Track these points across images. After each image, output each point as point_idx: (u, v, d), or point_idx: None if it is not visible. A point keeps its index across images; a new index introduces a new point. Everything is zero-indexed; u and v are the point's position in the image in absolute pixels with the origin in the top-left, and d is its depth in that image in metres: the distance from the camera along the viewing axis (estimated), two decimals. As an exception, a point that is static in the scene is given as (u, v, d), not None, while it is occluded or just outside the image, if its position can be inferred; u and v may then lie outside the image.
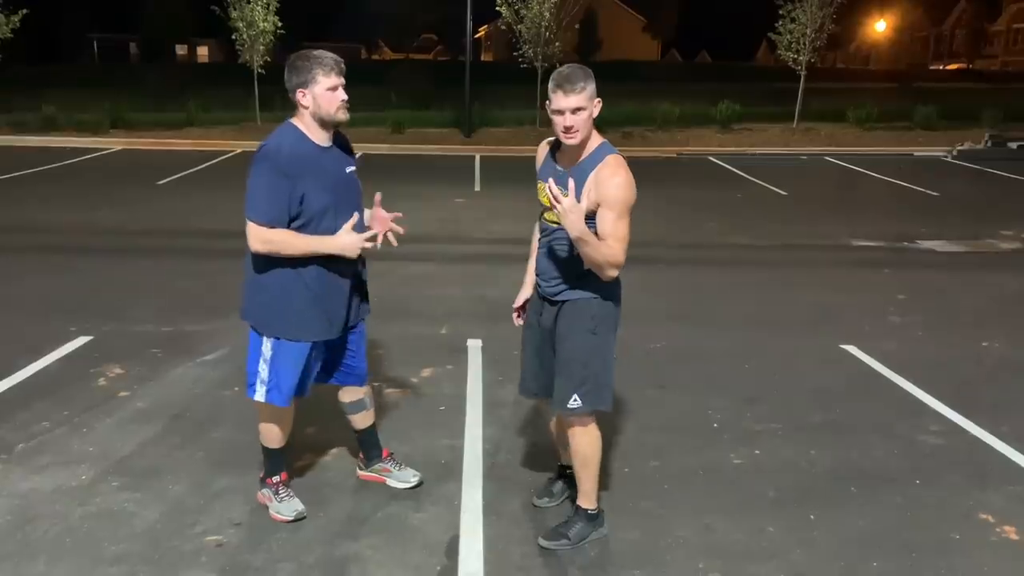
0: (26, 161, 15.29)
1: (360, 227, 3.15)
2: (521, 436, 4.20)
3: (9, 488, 3.58)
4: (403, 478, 3.65)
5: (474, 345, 5.51)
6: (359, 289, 3.32)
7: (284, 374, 3.19)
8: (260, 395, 3.22)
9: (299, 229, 3.01)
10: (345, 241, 3.04)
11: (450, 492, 3.61)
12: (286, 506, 3.35)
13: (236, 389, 4.75)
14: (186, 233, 9.38)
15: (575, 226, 2.71)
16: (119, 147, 18.59)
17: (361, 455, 3.72)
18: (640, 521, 3.40)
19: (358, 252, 3.09)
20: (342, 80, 3.04)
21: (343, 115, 3.06)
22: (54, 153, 16.83)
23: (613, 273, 2.88)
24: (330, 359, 3.37)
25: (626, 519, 3.41)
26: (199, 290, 6.87)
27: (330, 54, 3.05)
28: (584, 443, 3.14)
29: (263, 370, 3.19)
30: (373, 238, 3.16)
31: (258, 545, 3.19)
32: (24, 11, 20.20)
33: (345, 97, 3.04)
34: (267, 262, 3.07)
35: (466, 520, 3.38)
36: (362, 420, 3.60)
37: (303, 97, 3.02)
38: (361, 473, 3.72)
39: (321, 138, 3.09)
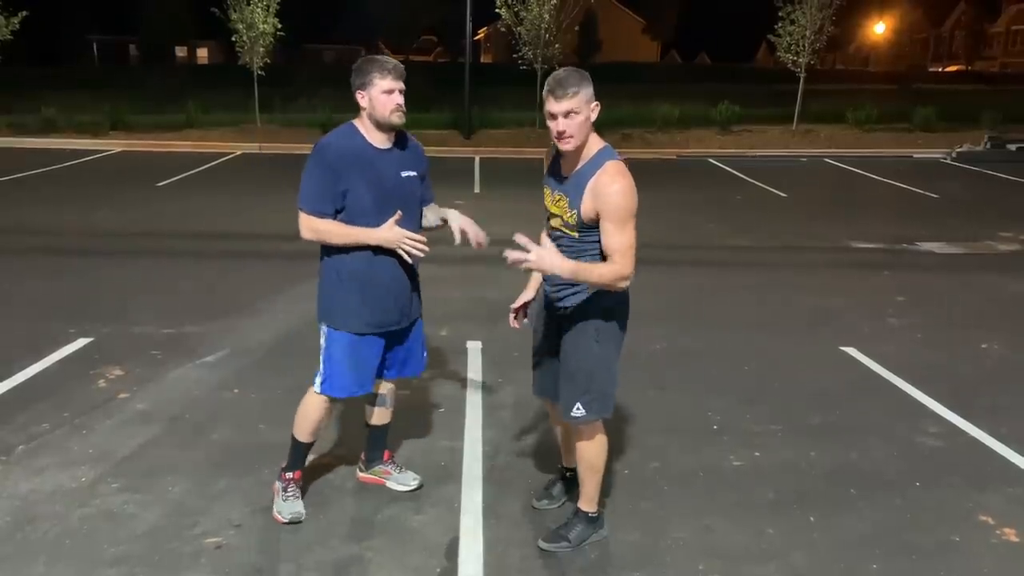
0: (26, 163, 15.30)
1: (411, 228, 3.18)
2: (521, 438, 4.20)
3: (9, 489, 3.58)
4: (403, 481, 3.65)
5: (474, 347, 5.51)
6: (409, 287, 3.31)
7: (337, 364, 3.23)
8: (316, 385, 3.28)
9: (344, 223, 3.10)
10: (387, 234, 3.08)
11: (450, 494, 3.61)
12: (287, 506, 3.36)
13: (236, 391, 4.76)
14: (186, 235, 9.38)
15: (560, 268, 2.72)
16: (119, 149, 18.59)
17: (363, 455, 3.72)
18: (640, 522, 3.40)
19: (398, 247, 3.09)
20: (399, 84, 3.10)
21: (397, 118, 3.10)
22: (54, 155, 16.84)
23: (623, 285, 2.86)
24: (389, 356, 3.40)
25: (626, 520, 3.41)
26: (199, 292, 6.87)
27: (392, 59, 3.13)
28: (590, 450, 3.14)
29: (321, 361, 3.28)
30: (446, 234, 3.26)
31: (258, 547, 3.19)
32: (24, 13, 20.20)
33: (400, 101, 3.10)
34: (323, 253, 3.22)
35: (466, 522, 3.38)
36: (378, 416, 3.61)
37: (361, 98, 3.10)
38: (361, 475, 3.72)
39: (378, 139, 3.14)
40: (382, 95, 3.07)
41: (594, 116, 2.83)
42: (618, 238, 2.79)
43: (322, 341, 3.28)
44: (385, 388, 3.56)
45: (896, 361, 5.36)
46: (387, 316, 3.25)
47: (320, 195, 3.06)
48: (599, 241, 2.83)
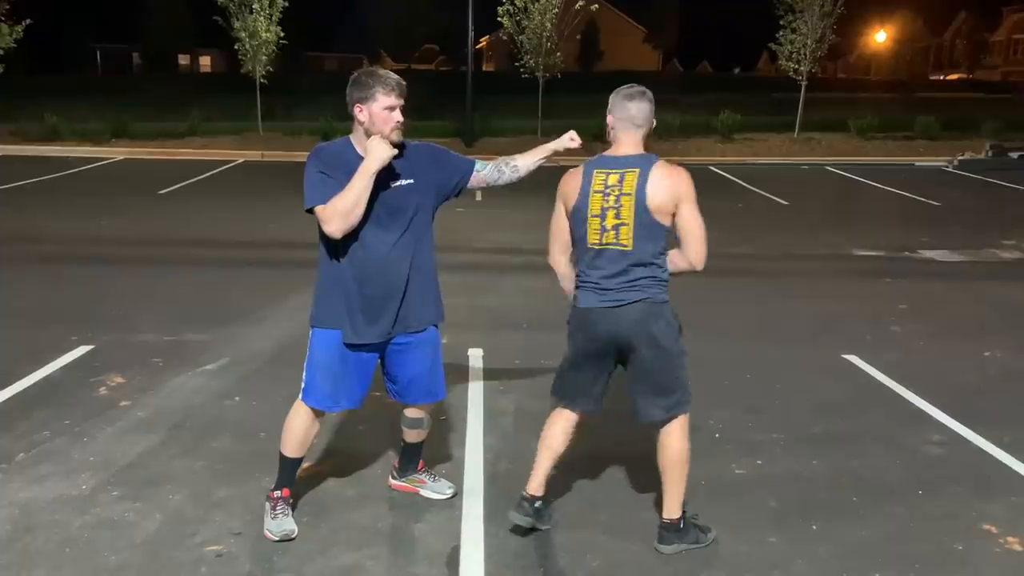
0: (28, 171, 15.33)
1: (401, 236, 3.17)
2: (522, 445, 4.17)
3: (9, 497, 3.57)
4: (439, 490, 3.63)
5: (475, 354, 5.51)
6: (402, 299, 3.21)
7: (317, 371, 3.20)
8: (300, 394, 3.26)
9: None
10: (376, 154, 3.00)
11: (451, 502, 3.60)
12: (276, 524, 3.30)
13: (237, 399, 4.75)
14: (187, 242, 9.39)
15: None
16: (121, 156, 18.64)
17: (396, 463, 3.71)
18: (642, 532, 3.38)
19: (386, 153, 3.01)
20: (401, 102, 3.07)
21: (396, 136, 3.07)
22: (56, 163, 16.89)
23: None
24: (389, 375, 3.37)
25: (628, 529, 3.40)
26: (200, 299, 6.87)
27: (395, 75, 3.09)
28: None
29: (304, 367, 3.25)
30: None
31: (258, 555, 3.18)
32: (28, 21, 20.29)
33: (400, 119, 3.07)
34: (320, 257, 3.18)
35: (467, 530, 3.37)
36: (414, 436, 3.59)
37: (360, 112, 3.06)
38: (394, 483, 3.69)
39: None
40: (384, 111, 3.03)
41: (610, 127, 3.13)
42: None
43: (308, 347, 3.26)
44: (421, 412, 3.52)
45: (898, 369, 5.35)
46: (374, 326, 3.17)
47: (327, 186, 3.00)
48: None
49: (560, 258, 3.24)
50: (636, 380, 3.22)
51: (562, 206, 3.15)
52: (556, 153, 3.45)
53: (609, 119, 3.12)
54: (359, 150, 3.10)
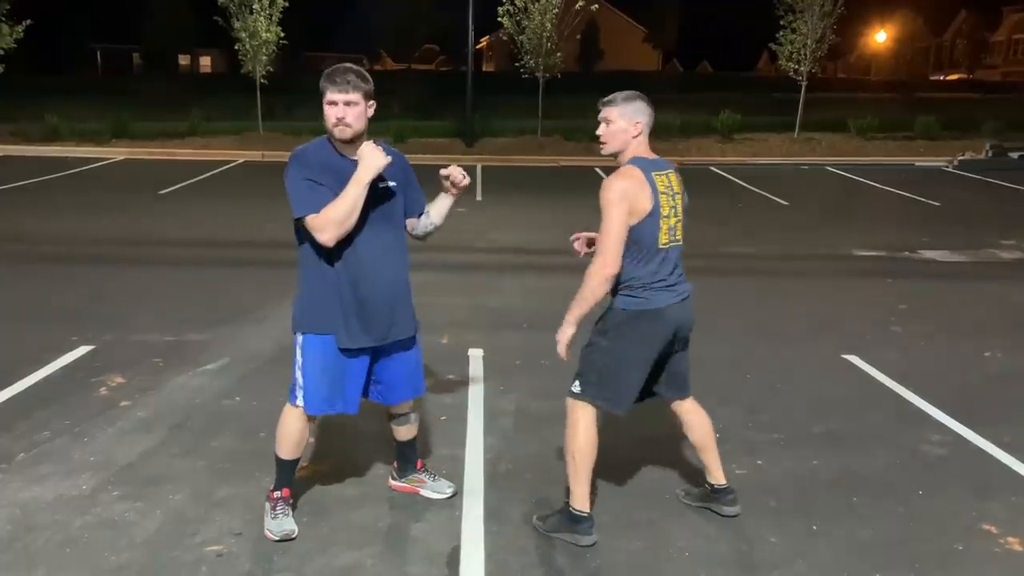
0: (28, 171, 15.33)
1: (391, 237, 3.20)
2: (523, 445, 4.19)
3: (9, 497, 3.57)
4: (438, 489, 3.64)
5: (475, 354, 5.51)
6: (395, 300, 3.23)
7: (312, 378, 3.19)
8: (294, 399, 3.25)
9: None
10: (369, 162, 3.00)
11: (451, 502, 3.60)
12: (276, 524, 3.30)
13: (237, 399, 4.76)
14: (187, 243, 9.39)
15: (564, 332, 3.14)
16: (121, 157, 18.64)
17: (395, 464, 3.71)
18: (642, 531, 3.39)
19: (380, 162, 3.01)
20: (345, 96, 2.99)
21: (338, 132, 3.04)
22: (56, 163, 16.88)
23: (598, 284, 3.06)
24: (375, 376, 3.37)
25: (627, 529, 3.40)
26: (200, 300, 6.88)
27: (350, 72, 3.02)
28: (566, 432, 3.27)
29: (298, 375, 3.23)
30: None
31: (258, 555, 3.18)
32: (28, 21, 20.28)
33: (341, 115, 3.00)
34: (302, 262, 3.16)
35: (467, 530, 3.37)
36: (405, 432, 3.59)
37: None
38: (394, 483, 3.70)
39: (346, 150, 3.08)
40: (327, 107, 3.02)
41: (635, 132, 3.13)
42: (600, 229, 3.05)
43: (297, 354, 3.21)
44: (407, 407, 3.53)
45: (898, 369, 5.35)
46: (370, 330, 3.17)
47: (312, 192, 2.98)
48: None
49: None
50: (669, 370, 3.43)
51: (627, 211, 3.01)
52: (455, 191, 3.34)
53: (634, 124, 3.11)
54: (337, 147, 3.09)
